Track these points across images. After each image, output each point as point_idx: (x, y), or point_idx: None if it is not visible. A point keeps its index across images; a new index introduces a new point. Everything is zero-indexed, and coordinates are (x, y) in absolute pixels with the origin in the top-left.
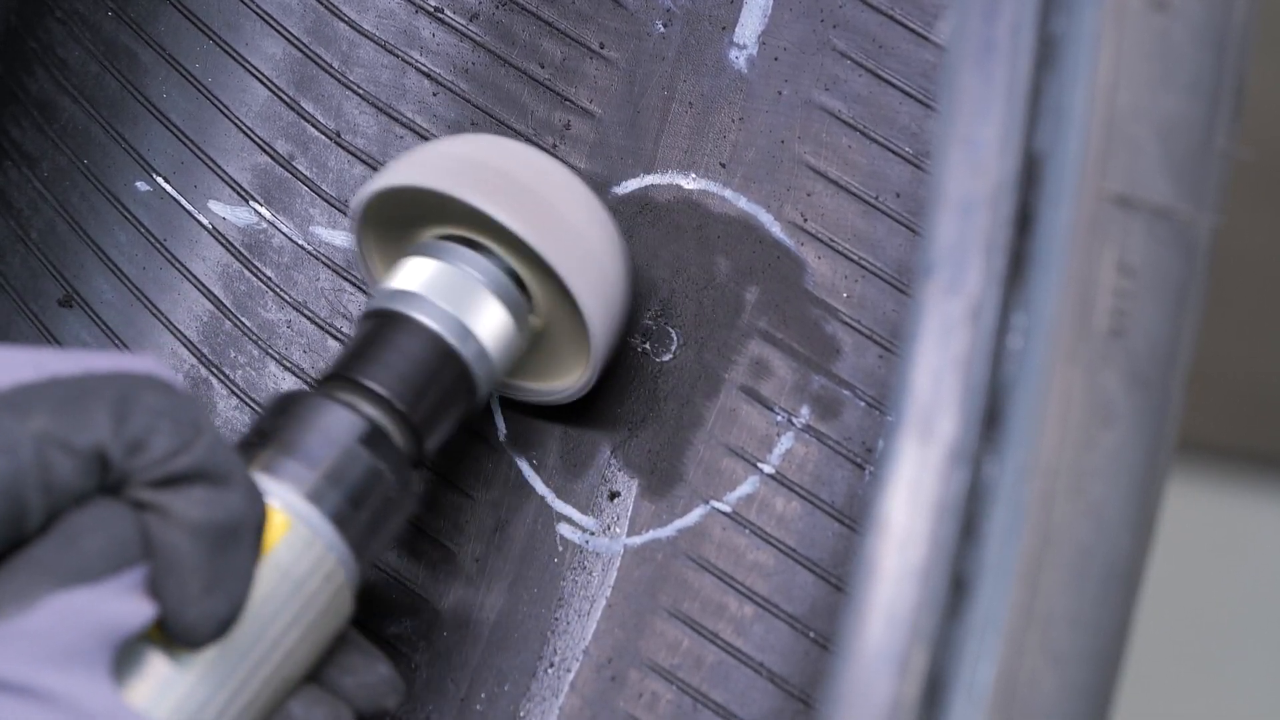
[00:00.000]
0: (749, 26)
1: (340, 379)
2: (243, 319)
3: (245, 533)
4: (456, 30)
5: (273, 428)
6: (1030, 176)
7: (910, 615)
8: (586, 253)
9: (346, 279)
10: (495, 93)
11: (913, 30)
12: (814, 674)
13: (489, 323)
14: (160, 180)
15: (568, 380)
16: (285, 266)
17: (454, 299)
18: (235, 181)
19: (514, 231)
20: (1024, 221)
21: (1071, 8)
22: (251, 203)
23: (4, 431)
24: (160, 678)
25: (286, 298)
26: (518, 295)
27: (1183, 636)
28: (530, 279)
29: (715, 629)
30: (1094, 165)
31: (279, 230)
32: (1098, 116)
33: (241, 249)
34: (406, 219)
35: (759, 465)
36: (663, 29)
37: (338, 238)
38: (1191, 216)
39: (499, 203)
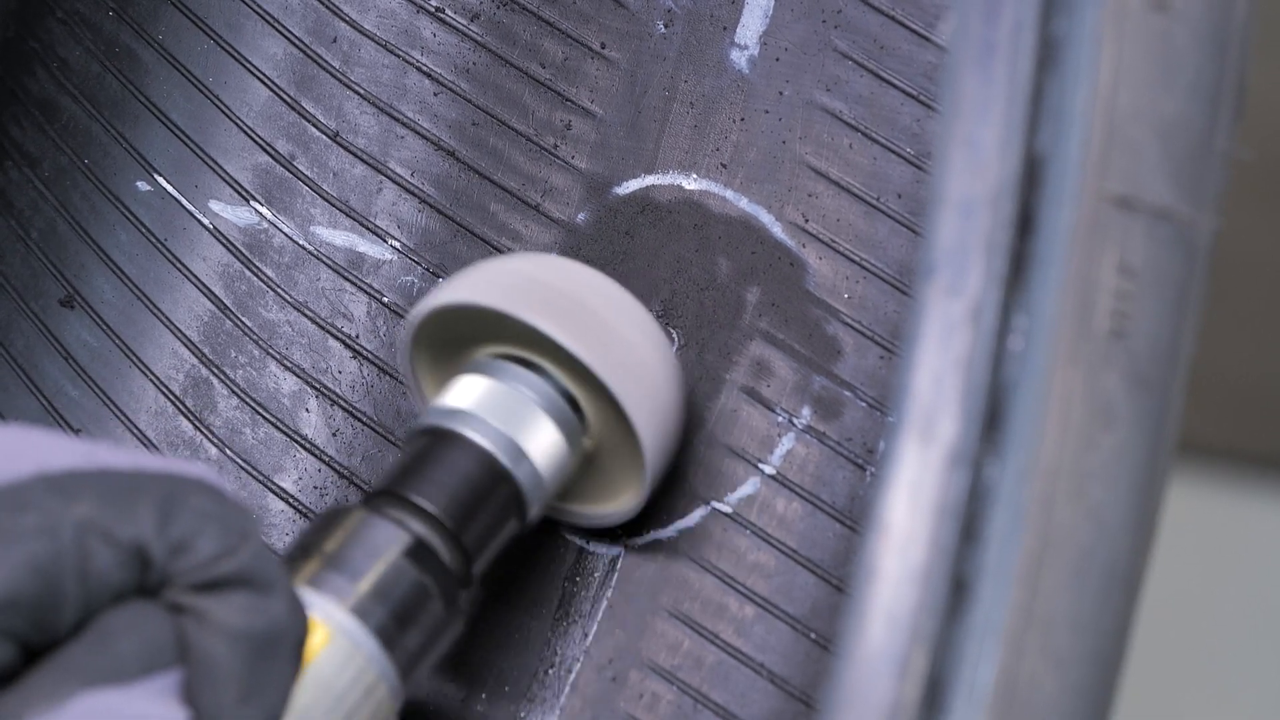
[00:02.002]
0: (750, 27)
1: (388, 495)
2: (243, 319)
3: (285, 643)
4: (457, 30)
5: (318, 541)
6: (1031, 178)
7: (911, 617)
8: (642, 375)
9: (347, 279)
10: (496, 93)
11: (914, 31)
12: (814, 675)
13: (542, 443)
14: (161, 180)
15: (618, 504)
16: (286, 266)
17: (507, 418)
18: (236, 181)
19: (570, 351)
20: (1025, 223)
21: (1072, 9)
22: (252, 202)
23: (47, 513)
24: None
25: (287, 298)
26: (572, 416)
27: (1183, 637)
28: (584, 399)
29: (716, 630)
30: (1095, 167)
31: (280, 230)
32: (1098, 118)
33: (242, 249)
34: (460, 336)
35: (760, 466)
36: (664, 29)
37: (338, 238)
38: (1192, 218)
39: (555, 321)
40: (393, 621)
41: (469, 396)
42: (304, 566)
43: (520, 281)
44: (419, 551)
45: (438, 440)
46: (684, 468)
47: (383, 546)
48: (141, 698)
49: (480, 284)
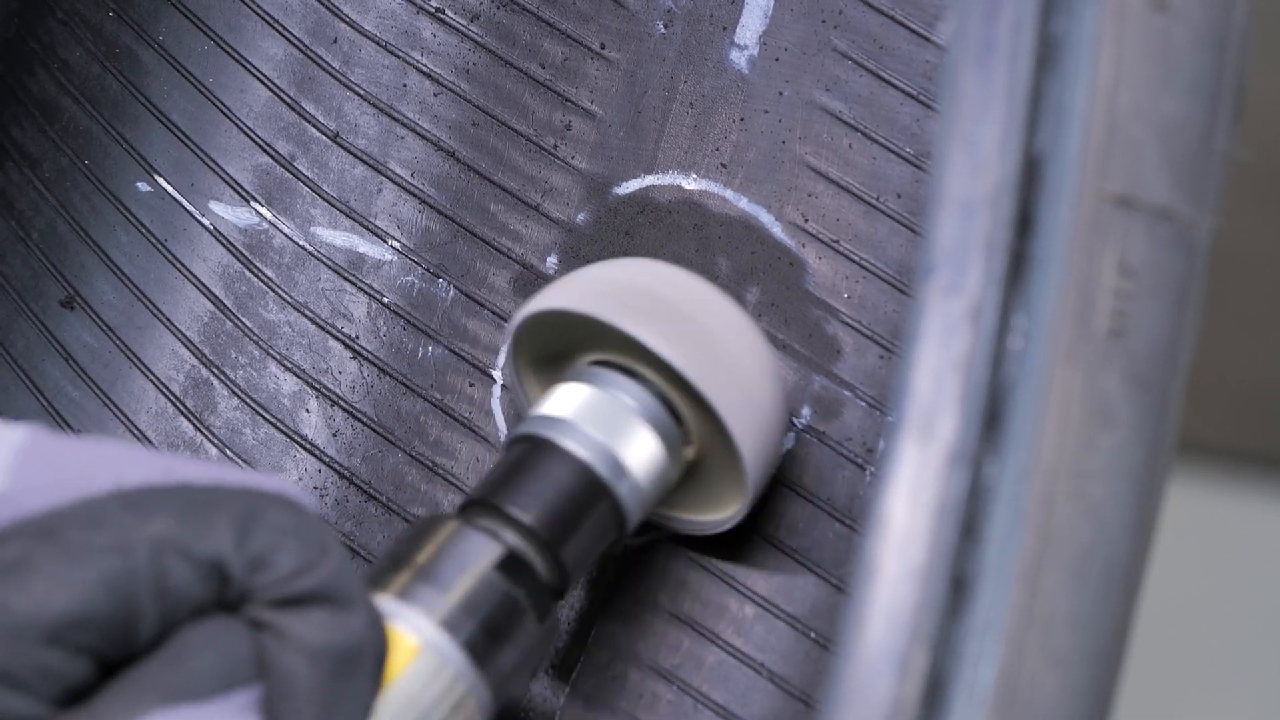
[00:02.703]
0: (750, 27)
1: (483, 505)
2: (243, 319)
3: (365, 660)
4: (457, 31)
5: (408, 552)
6: (1030, 177)
7: (911, 616)
8: (741, 383)
9: (347, 279)
10: (496, 93)
11: (914, 31)
12: (814, 674)
13: (641, 453)
14: (161, 181)
15: (721, 513)
16: (286, 267)
17: (606, 427)
18: (236, 182)
19: (668, 361)
20: (1024, 222)
21: (1072, 8)
22: (252, 203)
23: (122, 531)
24: None
25: (287, 298)
26: (672, 425)
27: (1183, 637)
28: (685, 407)
29: (716, 629)
30: (1094, 166)
31: (280, 231)
32: (1098, 117)
33: (242, 249)
34: (563, 341)
35: None
36: (664, 29)
37: (338, 238)
38: (1192, 217)
39: (654, 330)
40: (483, 635)
41: (568, 405)
42: (394, 578)
43: (617, 288)
44: (511, 564)
45: (535, 449)
46: None
47: (474, 558)
48: (218, 715)
49: (578, 290)
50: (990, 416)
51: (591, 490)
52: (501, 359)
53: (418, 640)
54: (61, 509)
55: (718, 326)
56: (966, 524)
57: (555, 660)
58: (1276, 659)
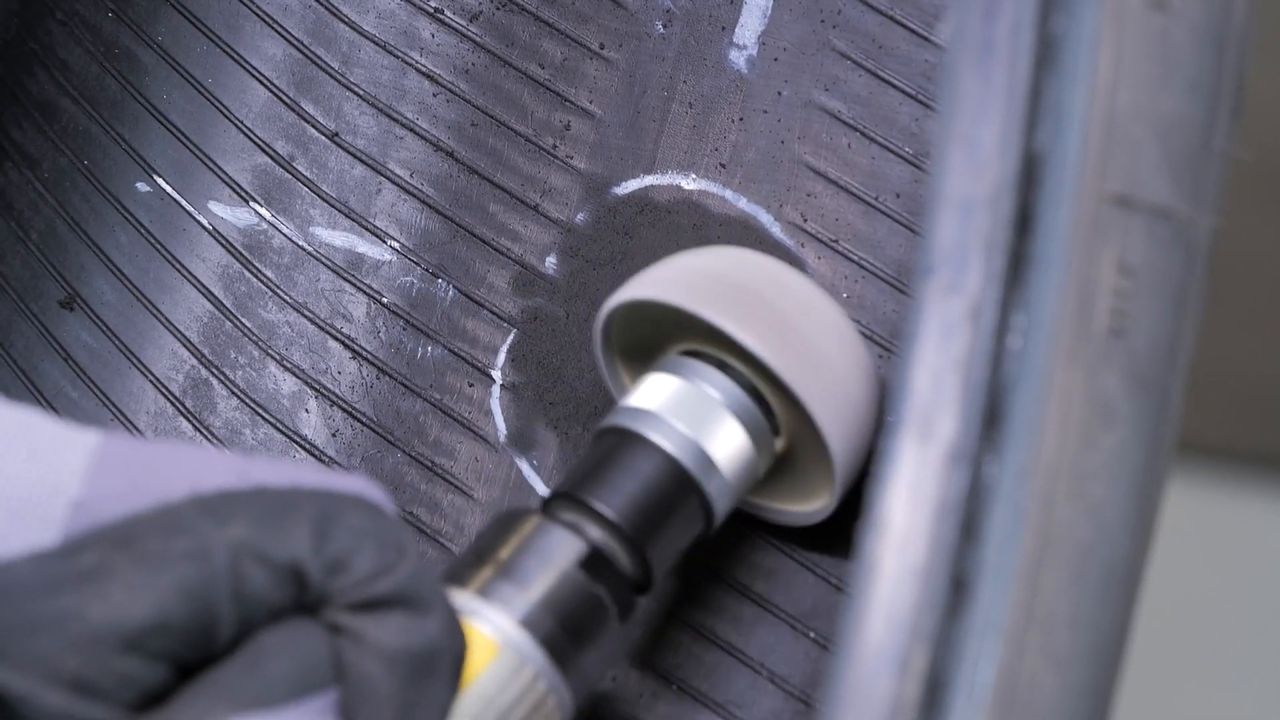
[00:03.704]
0: (749, 27)
1: (567, 499)
2: (243, 320)
3: (443, 663)
4: (456, 31)
5: (490, 547)
6: (1030, 177)
7: (910, 615)
8: (828, 375)
9: (346, 280)
10: (495, 93)
11: (913, 31)
12: (814, 674)
13: (727, 446)
14: (160, 181)
15: (810, 504)
16: (285, 267)
17: (693, 420)
18: (235, 182)
19: (755, 353)
20: (1024, 222)
21: (1071, 8)
22: (252, 203)
23: (199, 536)
24: None
25: (287, 298)
26: (760, 417)
27: (1183, 636)
28: (774, 399)
29: (716, 630)
30: (1094, 165)
31: (279, 231)
32: (1097, 117)
33: (242, 250)
34: (655, 330)
35: None
36: (662, 29)
37: (338, 238)
38: (1191, 217)
39: (741, 322)
40: (563, 633)
41: (655, 397)
42: (475, 574)
43: (706, 279)
44: (594, 560)
45: (622, 442)
46: None
47: (556, 555)
48: None
49: (667, 280)
50: (990, 416)
51: (678, 485)
52: (501, 359)
53: (498, 639)
54: (139, 515)
55: (807, 317)
56: (966, 523)
57: None
58: (1276, 659)
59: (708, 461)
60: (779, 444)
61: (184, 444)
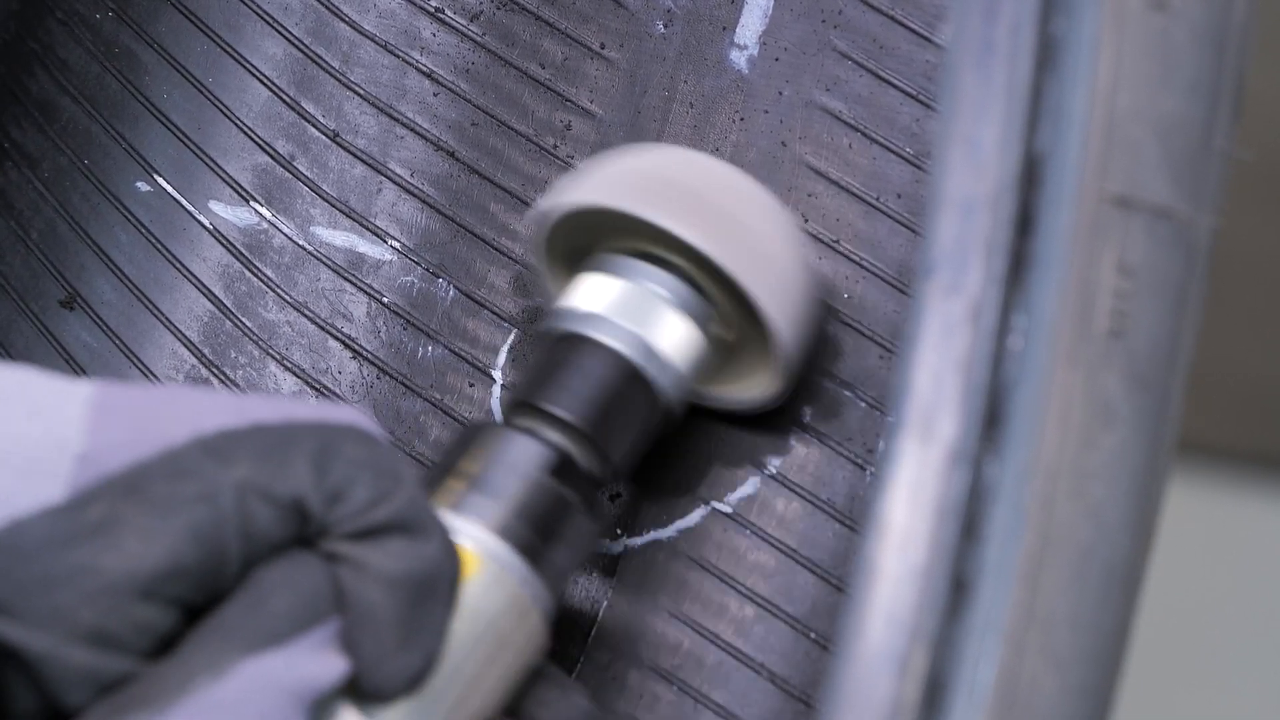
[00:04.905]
0: (750, 27)
1: (524, 406)
2: (243, 319)
3: (441, 585)
4: (457, 30)
5: (456, 461)
6: (1030, 177)
7: (911, 616)
8: (768, 261)
9: (347, 279)
10: (496, 93)
11: (914, 31)
12: (814, 674)
13: (674, 338)
14: (161, 180)
15: (758, 389)
16: (286, 267)
17: (636, 317)
18: (236, 182)
19: (694, 246)
20: (1024, 222)
21: (1071, 8)
22: (252, 203)
23: (207, 479)
24: None
25: (287, 298)
26: (702, 306)
27: (1183, 637)
28: (714, 288)
29: (716, 630)
30: (1094, 166)
31: (279, 230)
32: (1098, 117)
33: (242, 249)
34: (587, 232)
35: (760, 466)
36: (663, 29)
37: (338, 238)
38: (1191, 217)
39: (675, 215)
40: (537, 538)
41: (598, 298)
42: (445, 490)
43: (637, 177)
44: (560, 466)
45: (570, 346)
46: (684, 467)
47: (523, 463)
48: (301, 656)
49: (601, 183)
50: (990, 416)
51: (630, 381)
52: (502, 359)
53: (479, 551)
54: (144, 463)
55: (740, 206)
56: (967, 524)
57: (555, 660)
58: (1276, 659)
59: (656, 355)
60: (726, 333)
61: (179, 386)
